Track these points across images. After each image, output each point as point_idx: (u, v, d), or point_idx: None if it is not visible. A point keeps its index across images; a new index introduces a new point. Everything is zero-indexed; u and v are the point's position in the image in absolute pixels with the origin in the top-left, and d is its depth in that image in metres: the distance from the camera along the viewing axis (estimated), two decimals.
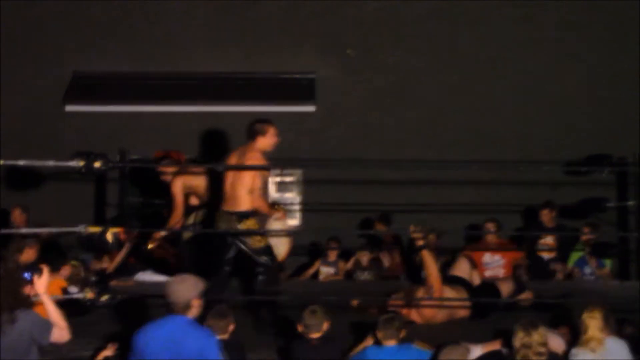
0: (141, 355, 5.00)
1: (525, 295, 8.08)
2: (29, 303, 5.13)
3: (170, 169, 8.84)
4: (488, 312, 7.69)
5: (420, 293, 7.64)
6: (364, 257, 10.28)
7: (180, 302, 4.97)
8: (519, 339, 5.59)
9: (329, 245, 10.38)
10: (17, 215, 9.83)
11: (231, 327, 5.84)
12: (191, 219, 8.90)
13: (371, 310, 7.64)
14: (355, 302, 7.91)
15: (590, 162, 10.80)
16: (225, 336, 5.73)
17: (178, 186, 8.73)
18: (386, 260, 10.48)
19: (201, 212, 8.84)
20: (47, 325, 5.06)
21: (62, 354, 6.38)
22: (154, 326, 5.03)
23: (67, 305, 7.42)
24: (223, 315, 5.79)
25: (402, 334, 5.87)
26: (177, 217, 8.74)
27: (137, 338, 5.05)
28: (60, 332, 5.08)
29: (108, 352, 5.97)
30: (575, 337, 5.91)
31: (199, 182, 8.85)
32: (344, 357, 5.91)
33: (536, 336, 5.57)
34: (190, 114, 12.50)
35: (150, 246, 8.87)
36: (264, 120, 7.74)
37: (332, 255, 10.33)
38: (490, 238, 10.20)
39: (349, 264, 10.31)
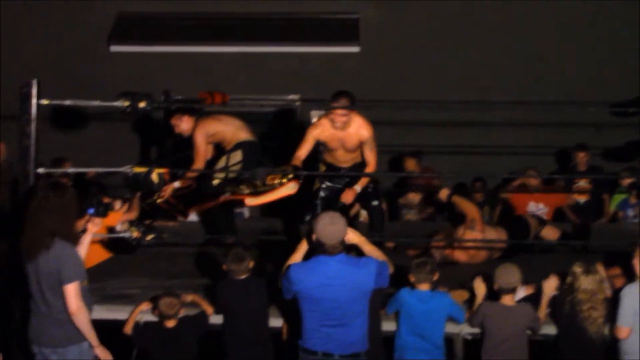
0: (311, 293, 4.93)
1: (550, 230, 7.99)
2: (73, 236, 5.10)
3: (185, 121, 8.04)
4: (518, 251, 7.60)
5: (462, 231, 7.56)
6: (415, 197, 10.17)
7: (337, 243, 4.90)
8: (577, 281, 5.55)
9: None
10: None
11: (251, 265, 5.83)
12: (222, 163, 8.05)
13: (410, 251, 7.59)
14: (390, 245, 7.86)
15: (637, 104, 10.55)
16: (248, 275, 5.74)
17: (200, 135, 7.93)
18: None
19: (236, 153, 7.96)
20: (76, 269, 5.01)
21: (107, 292, 6.43)
22: (316, 268, 4.95)
23: (113, 244, 7.56)
24: (241, 258, 5.77)
25: (435, 276, 5.80)
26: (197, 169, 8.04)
27: (304, 277, 4.95)
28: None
29: (144, 306, 5.98)
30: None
31: (223, 126, 8.04)
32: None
33: (593, 280, 5.53)
34: (233, 54, 12.41)
35: (158, 200, 8.10)
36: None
37: None
38: (534, 186, 10.02)
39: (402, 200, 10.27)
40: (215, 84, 10.59)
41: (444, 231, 8.03)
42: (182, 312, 5.78)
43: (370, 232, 7.43)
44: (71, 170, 6.90)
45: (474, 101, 11.05)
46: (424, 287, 5.75)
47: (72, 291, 4.95)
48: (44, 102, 5.92)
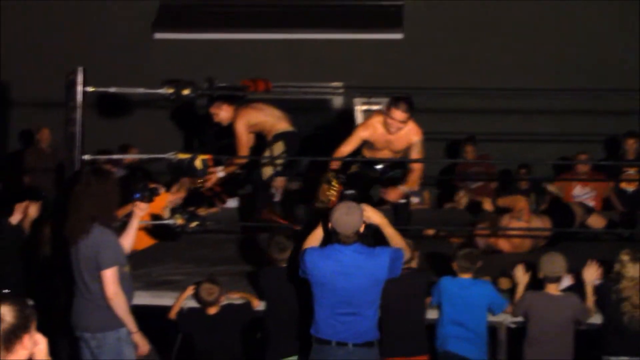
0: (324, 280, 4.96)
1: (596, 218, 7.90)
2: (114, 222, 5.14)
3: (225, 110, 7.99)
4: (563, 239, 7.53)
5: (507, 220, 7.51)
6: (460, 198, 10.10)
7: (351, 233, 4.92)
8: (624, 268, 5.49)
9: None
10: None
11: (288, 255, 5.82)
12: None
13: (454, 239, 7.55)
14: (430, 231, 7.81)
15: None
16: (290, 263, 5.77)
17: (241, 124, 7.87)
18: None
19: (278, 144, 7.90)
20: (113, 254, 5.02)
21: (152, 278, 6.48)
22: (331, 255, 4.98)
23: (157, 230, 7.62)
24: (283, 248, 5.77)
25: (478, 265, 5.77)
26: (239, 162, 8.01)
27: (318, 264, 4.97)
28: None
29: (190, 291, 6.02)
30: None
31: (264, 116, 7.99)
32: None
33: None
34: (276, 41, 12.42)
35: (204, 187, 8.01)
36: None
37: (416, 185, 10.19)
38: (581, 171, 9.93)
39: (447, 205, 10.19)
40: (258, 71, 10.62)
41: (488, 219, 7.97)
42: (224, 300, 5.81)
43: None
44: (116, 157, 6.96)
45: (519, 89, 10.94)
46: (466, 276, 5.72)
47: (109, 276, 4.96)
48: (90, 89, 5.98)
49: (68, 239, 5.10)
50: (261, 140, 8.13)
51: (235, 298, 5.96)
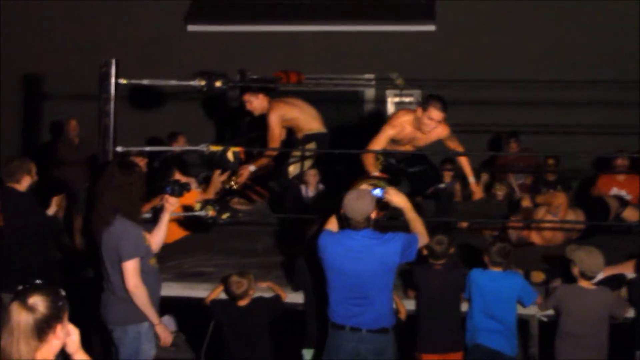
0: (335, 264, 5.00)
1: (631, 212, 7.83)
2: (136, 214, 5.14)
3: (260, 99, 7.84)
4: (597, 232, 7.48)
5: (542, 213, 7.46)
6: (499, 191, 10.04)
7: (361, 218, 4.94)
8: None
9: (443, 167, 10.20)
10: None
11: None
12: (296, 155, 7.89)
13: (486, 232, 7.52)
14: (464, 224, 7.78)
15: None
16: None
17: (275, 117, 7.68)
18: (514, 182, 10.27)
19: (309, 145, 7.79)
20: (134, 246, 5.03)
21: (184, 269, 6.52)
22: (342, 239, 5.01)
23: (189, 222, 7.66)
24: None
25: (512, 267, 5.77)
26: (271, 154, 7.84)
27: (329, 248, 5.01)
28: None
29: (217, 291, 6.05)
30: None
31: (299, 113, 7.85)
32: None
33: None
34: (308, 33, 12.43)
35: (235, 186, 7.87)
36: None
37: (447, 177, 10.16)
38: (620, 164, 9.81)
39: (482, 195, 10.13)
40: (290, 63, 10.64)
41: (522, 212, 7.93)
42: (253, 292, 5.83)
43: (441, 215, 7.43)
44: (148, 148, 7.00)
45: (553, 80, 10.86)
46: (497, 269, 5.71)
47: (130, 268, 4.97)
48: (123, 81, 6.03)
49: (93, 231, 5.14)
50: (290, 137, 8.07)
51: (264, 288, 5.98)
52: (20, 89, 12.69)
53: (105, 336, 5.39)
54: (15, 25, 12.64)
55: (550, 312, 5.77)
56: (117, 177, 5.04)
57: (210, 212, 6.32)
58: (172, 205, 5.38)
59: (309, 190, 9.10)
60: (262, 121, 7.90)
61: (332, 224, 5.22)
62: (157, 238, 5.34)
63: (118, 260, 5.00)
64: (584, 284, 5.58)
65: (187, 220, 7.65)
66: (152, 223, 5.53)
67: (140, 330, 5.08)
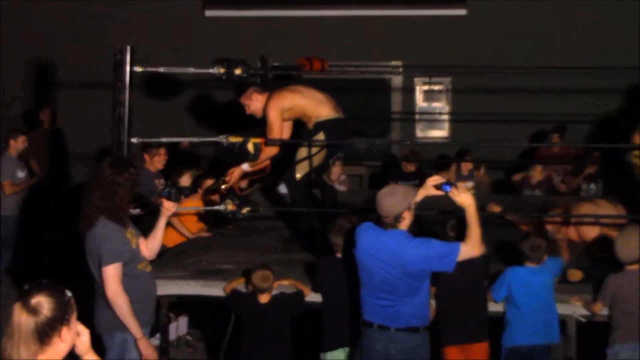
0: (363, 260, 4.96)
1: None
2: (122, 217, 4.95)
3: (257, 100, 7.14)
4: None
5: (586, 208, 7.35)
6: (536, 173, 9.94)
7: (389, 216, 4.88)
8: None
9: (463, 157, 10.08)
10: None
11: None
12: (303, 152, 7.08)
13: (523, 226, 7.44)
14: (495, 208, 7.68)
15: None
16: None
17: (273, 110, 7.01)
18: (556, 177, 10.17)
19: (318, 136, 7.05)
20: (114, 250, 4.87)
21: (202, 267, 6.49)
22: (375, 234, 4.96)
23: (207, 216, 7.63)
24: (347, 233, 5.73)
25: (545, 257, 5.68)
26: (270, 153, 7.04)
27: (361, 241, 4.97)
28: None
29: (238, 281, 6.01)
30: None
31: (302, 99, 7.14)
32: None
33: None
34: (333, 18, 12.37)
35: (223, 187, 7.16)
36: None
37: (465, 169, 10.05)
38: None
39: (517, 177, 10.04)
40: (313, 50, 10.58)
41: (561, 206, 7.82)
42: (277, 285, 5.80)
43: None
44: (165, 140, 6.95)
45: (589, 67, 10.75)
46: (533, 265, 5.65)
47: (109, 274, 4.84)
48: (138, 69, 5.98)
49: (80, 232, 5.00)
50: (300, 132, 7.45)
51: (286, 285, 5.94)
52: (30, 78, 12.72)
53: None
54: (23, 11, 12.67)
55: (586, 312, 5.70)
56: (106, 176, 4.90)
57: (230, 207, 6.27)
58: (168, 210, 5.26)
59: (333, 184, 9.06)
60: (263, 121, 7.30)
61: None
62: (152, 244, 5.21)
63: (99, 264, 4.89)
64: (631, 267, 5.57)
65: (206, 215, 7.64)
66: (148, 225, 5.44)
67: (127, 337, 4.95)
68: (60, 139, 11.80)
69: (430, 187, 5.06)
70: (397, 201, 4.88)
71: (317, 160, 7.07)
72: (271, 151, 7.00)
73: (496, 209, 7.63)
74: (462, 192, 5.02)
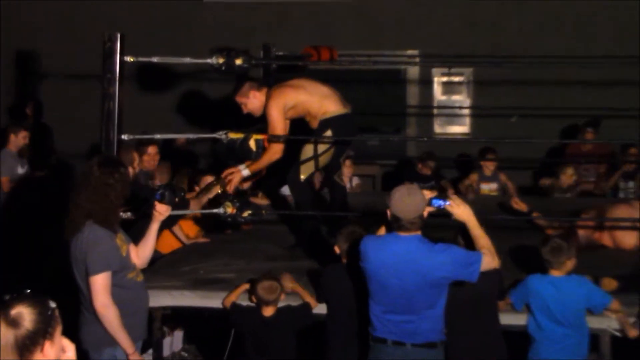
0: (377, 274, 4.99)
1: None
2: (112, 221, 4.99)
3: (254, 97, 7.14)
4: None
5: (621, 211, 7.36)
6: (566, 177, 9.92)
7: (413, 218, 4.91)
8: None
9: (486, 156, 10.08)
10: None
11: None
12: (308, 152, 7.09)
13: (549, 230, 7.45)
14: (520, 205, 7.70)
15: None
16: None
17: (275, 108, 7.00)
18: (590, 177, 10.18)
19: (325, 134, 7.07)
20: (103, 258, 4.87)
21: (199, 275, 6.52)
22: (385, 244, 5.01)
23: (205, 220, 7.66)
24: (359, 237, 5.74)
25: (571, 264, 5.68)
26: (273, 156, 7.02)
27: (370, 254, 4.98)
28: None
29: (244, 287, 6.03)
30: None
31: (306, 95, 7.13)
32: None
33: None
34: (342, 3, 12.40)
35: (216, 190, 7.06)
36: None
37: (489, 169, 10.03)
38: None
39: (546, 182, 10.04)
40: (321, 38, 10.62)
41: (594, 209, 7.81)
42: (283, 297, 5.82)
43: None
44: (158, 136, 6.99)
45: (628, 56, 10.76)
46: (558, 273, 5.65)
47: (97, 284, 4.83)
48: (129, 59, 6.02)
49: (65, 237, 4.99)
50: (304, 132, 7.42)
51: (288, 291, 5.96)
52: (11, 68, 12.79)
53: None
54: None
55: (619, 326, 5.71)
56: (95, 177, 4.90)
57: (229, 210, 6.31)
58: (161, 214, 5.28)
59: (348, 184, 9.07)
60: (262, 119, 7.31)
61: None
62: (144, 251, 5.23)
63: (86, 273, 4.88)
64: None
65: (203, 220, 7.67)
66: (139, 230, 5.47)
67: (116, 354, 4.96)
68: (46, 134, 11.84)
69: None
70: (420, 200, 4.92)
71: (323, 160, 7.11)
72: (275, 154, 6.99)
73: (521, 205, 7.65)
74: (460, 205, 5.07)
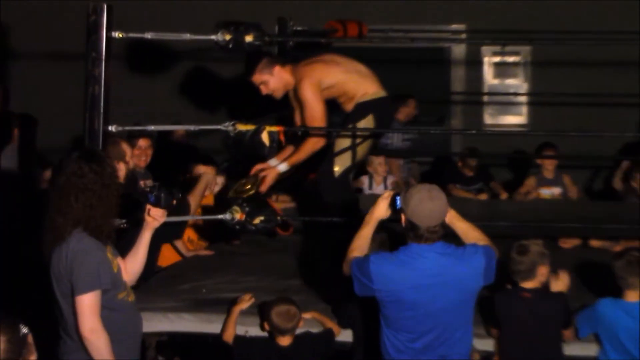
0: (400, 297, 4.96)
1: None
2: (104, 230, 4.93)
3: (277, 75, 7.13)
4: None
5: None
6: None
7: (438, 225, 4.90)
8: None
9: (544, 152, 10.03)
10: None
11: None
12: (344, 141, 7.09)
13: (617, 247, 7.45)
14: (596, 242, 7.74)
15: None
16: None
17: (311, 87, 7.03)
18: None
19: (367, 119, 7.07)
20: (92, 275, 4.81)
21: (201, 296, 6.54)
22: (409, 260, 4.96)
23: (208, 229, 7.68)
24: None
25: None
26: (315, 145, 7.08)
27: (388, 275, 4.94)
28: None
29: (243, 304, 6.03)
30: None
31: (343, 73, 7.14)
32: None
33: None
34: None
35: (248, 191, 6.90)
36: None
37: (549, 170, 9.95)
38: None
39: (619, 184, 9.99)
40: (348, 11, 10.63)
41: None
42: (302, 324, 5.82)
43: None
44: (152, 128, 6.99)
45: None
46: (633, 297, 5.63)
47: (85, 305, 4.79)
48: (118, 35, 6.04)
49: (43, 249, 4.93)
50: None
51: (307, 319, 5.97)
52: None
53: None
54: None
55: None
56: (87, 177, 4.87)
57: (237, 215, 6.30)
58: (157, 219, 5.25)
59: (375, 185, 9.09)
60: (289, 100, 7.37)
61: (363, 242, 5.22)
62: (133, 266, 5.20)
63: (72, 292, 4.84)
64: None
65: (206, 227, 7.69)
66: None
67: None
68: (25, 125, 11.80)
69: (384, 208, 5.21)
70: (443, 204, 4.92)
71: (361, 151, 7.12)
72: (318, 142, 7.03)
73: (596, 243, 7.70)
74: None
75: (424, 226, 4.87)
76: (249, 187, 6.90)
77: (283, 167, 7.07)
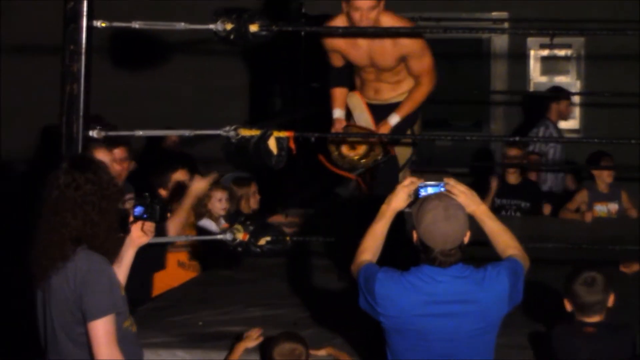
0: (414, 333, 4.94)
1: None
2: (109, 246, 4.98)
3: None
4: None
5: None
6: None
7: (453, 248, 4.88)
8: None
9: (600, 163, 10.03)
10: None
11: None
12: (408, 151, 7.66)
13: None
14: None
15: None
16: None
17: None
18: None
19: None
20: (108, 297, 4.83)
21: (198, 329, 6.58)
22: (418, 283, 5.02)
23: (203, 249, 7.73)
24: None
25: None
26: (425, 93, 7.49)
27: (392, 299, 4.94)
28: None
29: (250, 342, 6.06)
30: None
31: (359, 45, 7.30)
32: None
33: None
34: None
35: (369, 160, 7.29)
36: None
37: (604, 182, 9.92)
38: None
39: None
40: None
41: None
42: None
43: None
44: (141, 133, 7.03)
45: None
46: None
47: (101, 331, 4.80)
48: (101, 24, 6.09)
49: (34, 274, 4.92)
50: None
51: (323, 355, 5.99)
52: None
53: None
54: None
55: None
56: (82, 188, 4.86)
57: (240, 236, 6.34)
58: (146, 236, 5.26)
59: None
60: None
61: (373, 243, 5.20)
62: None
63: (78, 319, 4.85)
64: None
65: (203, 249, 7.73)
66: None
67: None
68: None
69: (404, 197, 5.14)
70: (462, 223, 4.88)
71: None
72: (429, 91, 7.42)
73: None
74: (462, 189, 5.05)
75: (438, 249, 4.87)
76: (376, 152, 7.22)
77: (395, 119, 7.29)
